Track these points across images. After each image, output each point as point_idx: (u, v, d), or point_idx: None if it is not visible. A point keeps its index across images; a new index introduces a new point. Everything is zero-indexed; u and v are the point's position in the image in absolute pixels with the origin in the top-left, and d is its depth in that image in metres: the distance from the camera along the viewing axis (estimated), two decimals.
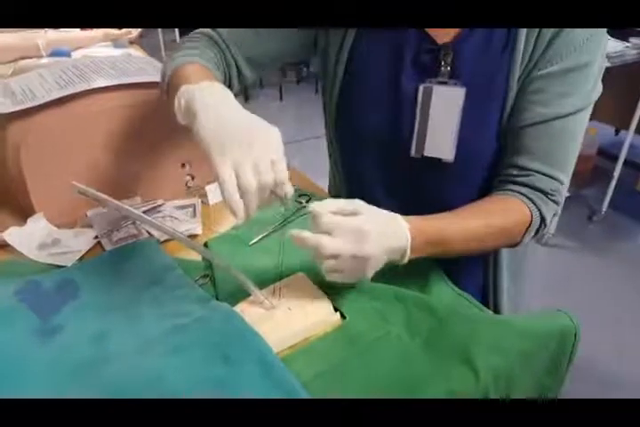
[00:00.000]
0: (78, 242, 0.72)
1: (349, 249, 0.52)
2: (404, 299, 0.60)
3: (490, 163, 0.71)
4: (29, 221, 0.74)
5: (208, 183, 0.85)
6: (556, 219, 0.70)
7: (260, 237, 0.74)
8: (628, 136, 2.20)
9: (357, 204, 0.56)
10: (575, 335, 0.57)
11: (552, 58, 0.63)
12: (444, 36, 0.67)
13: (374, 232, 0.53)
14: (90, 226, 0.76)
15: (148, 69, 0.81)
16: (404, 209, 0.59)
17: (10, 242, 0.70)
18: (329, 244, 0.52)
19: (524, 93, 0.66)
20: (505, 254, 0.78)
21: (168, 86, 0.66)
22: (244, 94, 0.78)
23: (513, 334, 0.55)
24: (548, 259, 2.14)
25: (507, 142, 0.68)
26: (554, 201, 0.68)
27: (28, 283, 0.62)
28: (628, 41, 2.02)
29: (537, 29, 0.63)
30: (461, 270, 0.71)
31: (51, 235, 0.72)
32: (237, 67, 0.75)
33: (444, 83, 0.67)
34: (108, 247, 0.72)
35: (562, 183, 0.68)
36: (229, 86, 0.76)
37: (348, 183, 0.84)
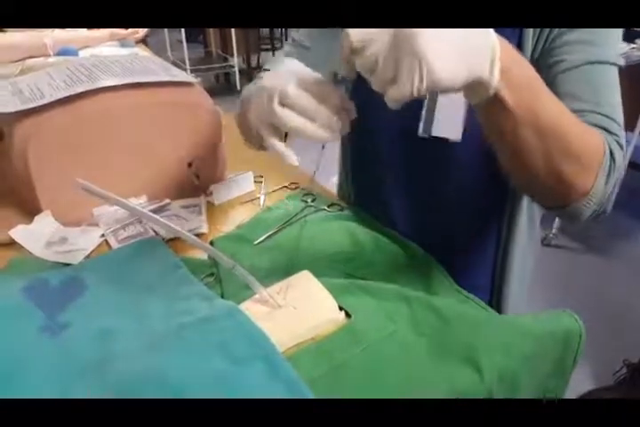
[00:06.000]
0: (85, 240, 0.73)
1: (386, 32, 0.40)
2: (409, 298, 0.60)
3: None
4: (36, 219, 0.74)
5: (214, 182, 0.85)
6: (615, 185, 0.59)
7: (264, 236, 0.74)
8: (634, 138, 2.20)
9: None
10: (580, 336, 0.58)
11: None
12: None
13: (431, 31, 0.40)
14: (96, 224, 0.76)
15: (155, 69, 0.81)
16: (414, 209, 0.58)
17: (17, 240, 0.71)
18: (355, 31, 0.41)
19: (548, 57, 0.63)
20: (515, 253, 0.77)
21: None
22: None
23: (518, 335, 0.55)
24: (551, 259, 2.13)
25: None
26: (617, 142, 0.60)
27: (34, 280, 0.62)
28: (633, 42, 2.01)
29: None
30: (468, 270, 0.71)
31: (57, 233, 0.73)
32: None
33: None
34: (115, 246, 0.72)
35: (619, 125, 0.61)
36: None
37: (357, 183, 0.84)
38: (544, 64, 0.63)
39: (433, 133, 0.70)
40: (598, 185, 0.56)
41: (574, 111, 0.58)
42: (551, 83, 0.60)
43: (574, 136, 0.53)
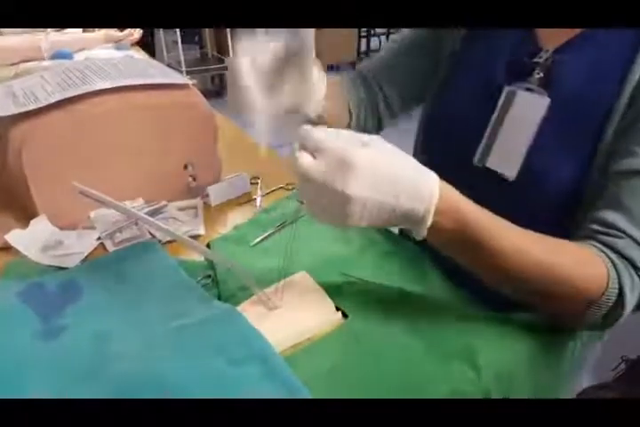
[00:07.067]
0: (81, 243, 0.73)
1: (325, 177, 0.43)
2: (406, 298, 0.60)
3: (564, 201, 0.60)
4: (32, 223, 0.74)
5: (210, 184, 0.85)
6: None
7: (261, 237, 0.74)
8: None
9: (375, 138, 0.46)
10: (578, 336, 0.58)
11: None
12: (552, 41, 0.62)
13: (369, 173, 0.43)
14: (92, 227, 0.76)
15: (150, 71, 0.81)
16: None
17: (13, 244, 0.70)
18: (305, 163, 0.44)
19: (636, 134, 0.55)
20: None
21: None
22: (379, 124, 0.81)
23: (516, 333, 0.55)
24: None
25: (599, 190, 0.57)
26: None
27: (30, 285, 0.62)
28: None
29: None
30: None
31: (53, 237, 0.73)
32: (383, 92, 0.79)
33: (531, 90, 0.62)
34: (111, 249, 0.72)
35: None
36: (377, 114, 0.80)
37: None
38: (621, 147, 0.56)
39: (487, 165, 0.67)
40: (587, 317, 0.53)
41: (610, 226, 0.53)
42: (614, 178, 0.55)
43: (541, 284, 0.51)
